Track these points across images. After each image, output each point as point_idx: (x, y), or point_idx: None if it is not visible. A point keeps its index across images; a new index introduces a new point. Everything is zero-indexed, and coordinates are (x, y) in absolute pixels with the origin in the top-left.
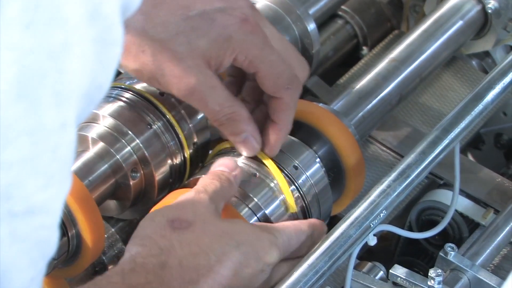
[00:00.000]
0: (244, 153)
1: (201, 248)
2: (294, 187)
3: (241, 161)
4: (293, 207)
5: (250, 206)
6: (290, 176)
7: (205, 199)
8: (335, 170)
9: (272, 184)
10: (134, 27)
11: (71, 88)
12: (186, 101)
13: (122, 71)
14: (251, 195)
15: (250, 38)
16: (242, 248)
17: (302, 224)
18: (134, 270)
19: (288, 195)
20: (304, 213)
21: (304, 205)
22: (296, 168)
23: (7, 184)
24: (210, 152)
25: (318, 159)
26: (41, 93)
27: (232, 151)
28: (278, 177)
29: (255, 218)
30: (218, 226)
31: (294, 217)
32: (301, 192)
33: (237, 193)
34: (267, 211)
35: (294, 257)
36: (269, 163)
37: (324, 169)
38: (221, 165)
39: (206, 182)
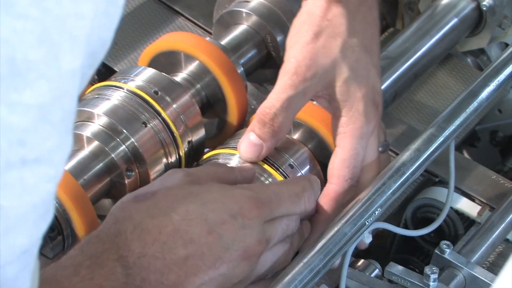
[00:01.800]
0: (242, 151)
1: (161, 210)
2: None
3: (235, 159)
4: None
5: None
6: (285, 174)
7: (179, 172)
8: None
9: (267, 182)
10: None
11: (83, 34)
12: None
13: (117, 70)
14: None
15: (356, 117)
16: (209, 205)
17: (294, 178)
18: (89, 242)
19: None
20: None
21: None
22: (291, 166)
23: (23, 129)
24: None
25: (313, 157)
26: (61, 37)
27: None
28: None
29: None
30: (184, 189)
31: None
32: None
33: None
34: None
35: (300, 213)
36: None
37: (319, 167)
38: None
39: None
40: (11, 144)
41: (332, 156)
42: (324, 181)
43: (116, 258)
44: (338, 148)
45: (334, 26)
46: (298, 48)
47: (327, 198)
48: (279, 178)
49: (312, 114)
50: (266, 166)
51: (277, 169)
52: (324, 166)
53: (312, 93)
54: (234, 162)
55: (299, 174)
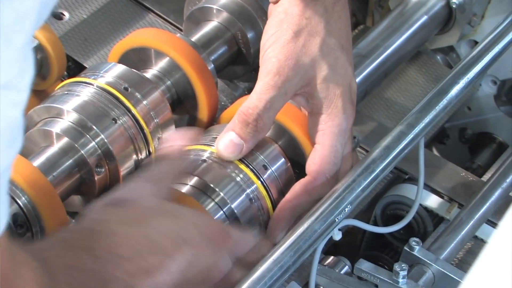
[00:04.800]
0: (221, 150)
1: (137, 220)
2: (260, 183)
3: (206, 155)
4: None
5: (216, 200)
6: (255, 171)
7: (147, 188)
8: (300, 166)
9: (238, 178)
10: None
11: None
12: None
13: (87, 66)
14: (217, 189)
15: (335, 114)
16: (181, 223)
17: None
18: (59, 230)
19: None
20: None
21: (270, 200)
22: (265, 168)
23: None
24: None
25: (284, 155)
26: None
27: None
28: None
29: (221, 212)
30: (162, 206)
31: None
32: (267, 188)
33: (200, 186)
34: (233, 205)
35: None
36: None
37: (289, 164)
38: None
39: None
40: None
41: (312, 153)
42: (293, 176)
43: (83, 246)
44: (318, 145)
45: (313, 25)
46: (279, 47)
47: (302, 190)
48: (253, 177)
49: (281, 111)
50: (242, 166)
51: (247, 166)
52: (293, 162)
53: (293, 92)
54: (205, 158)
55: (269, 171)
